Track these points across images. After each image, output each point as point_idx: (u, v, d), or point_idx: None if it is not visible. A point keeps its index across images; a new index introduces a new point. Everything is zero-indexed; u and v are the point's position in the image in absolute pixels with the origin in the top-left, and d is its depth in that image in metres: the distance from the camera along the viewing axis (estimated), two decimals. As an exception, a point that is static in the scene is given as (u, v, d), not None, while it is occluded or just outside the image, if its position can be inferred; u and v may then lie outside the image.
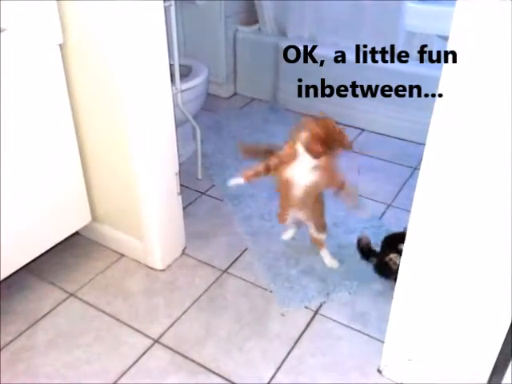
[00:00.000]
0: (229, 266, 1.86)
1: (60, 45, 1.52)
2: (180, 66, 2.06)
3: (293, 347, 1.54)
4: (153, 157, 1.64)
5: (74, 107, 1.65)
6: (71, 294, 1.73)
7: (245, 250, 1.93)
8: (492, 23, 0.92)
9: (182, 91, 2.08)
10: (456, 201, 1.13)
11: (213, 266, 1.86)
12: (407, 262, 1.28)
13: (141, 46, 1.46)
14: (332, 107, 2.81)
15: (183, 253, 1.91)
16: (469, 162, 1.07)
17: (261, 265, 1.86)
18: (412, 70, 2.54)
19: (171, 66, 1.78)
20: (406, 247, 1.26)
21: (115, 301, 1.70)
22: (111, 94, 1.55)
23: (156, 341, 1.56)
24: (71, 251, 1.90)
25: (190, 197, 2.21)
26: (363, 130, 2.75)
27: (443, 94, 1.03)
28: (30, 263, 1.72)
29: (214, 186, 2.31)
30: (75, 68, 1.58)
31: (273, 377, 1.45)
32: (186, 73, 2.30)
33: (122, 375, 1.45)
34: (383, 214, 2.13)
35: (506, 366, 1.25)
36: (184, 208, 1.92)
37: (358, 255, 1.88)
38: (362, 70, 2.66)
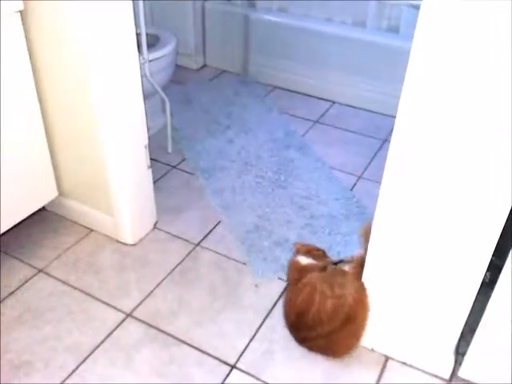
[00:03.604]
0: (201, 240, 1.84)
1: (20, 11, 1.45)
2: (147, 35, 2.00)
3: (266, 317, 1.55)
4: (121, 128, 1.59)
5: (37, 76, 1.58)
6: (40, 270, 1.69)
7: (218, 223, 1.92)
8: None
9: (150, 61, 2.02)
10: (425, 172, 1.14)
11: (185, 240, 1.84)
12: (377, 234, 1.29)
13: (106, 12, 1.40)
14: (303, 79, 2.80)
15: (155, 227, 1.89)
16: (439, 134, 1.08)
17: (234, 237, 1.86)
18: (382, 42, 2.54)
19: (138, 35, 1.72)
20: (376, 219, 1.27)
21: (85, 276, 1.67)
22: (76, 62, 1.49)
23: (128, 315, 1.55)
24: (38, 227, 1.85)
25: (160, 171, 2.17)
26: (334, 102, 2.75)
27: (414, 67, 1.03)
28: (-5, 240, 1.67)
29: (184, 159, 2.27)
30: (37, 36, 1.51)
31: (247, 346, 1.46)
32: (154, 42, 2.23)
33: (94, 349, 1.44)
34: (354, 186, 2.15)
35: (471, 335, 1.29)
36: (154, 182, 1.89)
37: (329, 227, 1.90)
38: (332, 42, 2.64)
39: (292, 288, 1.50)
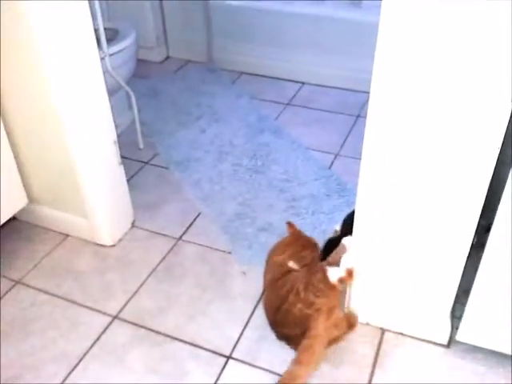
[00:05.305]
0: (183, 233, 1.79)
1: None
2: (105, 29, 1.93)
3: (257, 304, 1.51)
4: (86, 125, 1.53)
5: (-8, 79, 1.50)
6: (17, 282, 1.61)
7: (198, 215, 1.87)
8: None
9: (111, 55, 1.95)
10: (406, 140, 1.11)
11: (166, 235, 1.79)
12: (362, 207, 1.27)
13: (61, 7, 1.34)
14: (269, 62, 2.76)
15: (133, 226, 1.83)
16: (413, 105, 1.06)
17: (216, 228, 1.81)
18: (345, 16, 2.51)
19: (96, 31, 1.64)
20: (359, 192, 1.25)
21: (65, 282, 1.60)
22: (34, 62, 1.42)
23: (115, 317, 1.49)
24: (10, 237, 1.77)
25: (133, 168, 2.11)
26: (303, 83, 2.71)
27: (383, 41, 1.00)
28: (-35, 255, 1.59)
29: (157, 154, 2.21)
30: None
31: (240, 335, 1.43)
32: (113, 37, 2.15)
33: (83, 356, 1.38)
34: (332, 164, 2.13)
35: (466, 298, 1.28)
36: (128, 180, 1.83)
37: (312, 207, 1.88)
38: (295, 21, 2.60)
39: (271, 286, 1.39)
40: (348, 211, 1.58)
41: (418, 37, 0.98)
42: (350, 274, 1.30)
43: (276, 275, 1.40)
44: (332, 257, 1.39)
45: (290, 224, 1.51)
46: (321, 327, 1.26)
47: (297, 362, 1.23)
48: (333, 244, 1.46)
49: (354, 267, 1.32)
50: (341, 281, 1.28)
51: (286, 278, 1.36)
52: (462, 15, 0.93)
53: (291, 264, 1.40)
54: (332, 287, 1.28)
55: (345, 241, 1.40)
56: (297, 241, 1.46)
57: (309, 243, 1.47)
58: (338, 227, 1.59)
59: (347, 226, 1.51)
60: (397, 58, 1.02)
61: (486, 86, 0.98)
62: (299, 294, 1.28)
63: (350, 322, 1.37)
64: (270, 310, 1.37)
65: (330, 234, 1.64)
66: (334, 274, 1.28)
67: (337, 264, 1.37)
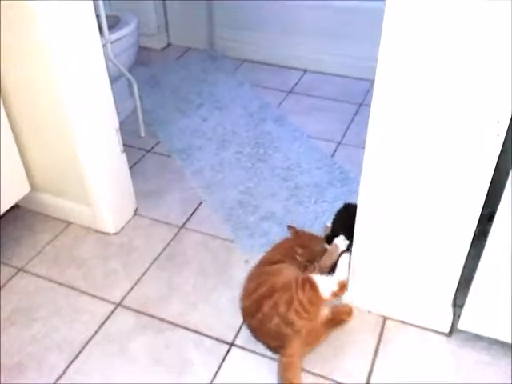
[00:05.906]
0: (185, 222, 1.79)
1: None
2: (107, 16, 1.91)
3: (260, 292, 1.52)
4: (89, 112, 1.52)
5: (-7, 66, 1.49)
6: (20, 269, 1.62)
7: (200, 203, 1.87)
8: None
9: (112, 42, 1.93)
10: (411, 128, 1.11)
11: (169, 224, 1.79)
12: (365, 195, 1.26)
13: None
14: (271, 50, 2.74)
15: (135, 213, 1.83)
16: (418, 94, 1.05)
17: (218, 216, 1.81)
18: (347, 4, 2.48)
19: (97, 18, 1.63)
20: (363, 181, 1.24)
21: (68, 270, 1.61)
22: (37, 49, 1.40)
23: (118, 304, 1.50)
24: (13, 225, 1.77)
25: (135, 156, 2.10)
26: (305, 70, 2.70)
27: (388, 29, 0.98)
28: (-32, 243, 1.59)
29: (159, 142, 2.20)
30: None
31: (243, 323, 1.43)
32: (114, 24, 2.13)
33: (86, 344, 1.39)
34: (334, 152, 2.12)
35: (468, 286, 1.28)
36: (130, 168, 1.83)
37: (314, 196, 1.87)
38: (297, 9, 2.58)
39: (258, 268, 1.39)
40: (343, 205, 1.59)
41: (424, 24, 0.97)
42: (342, 287, 1.31)
43: (266, 259, 1.42)
44: (323, 260, 1.40)
45: (290, 227, 1.51)
46: (296, 347, 1.25)
47: (285, 380, 1.23)
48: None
49: (346, 280, 1.33)
50: (333, 295, 1.30)
51: (271, 269, 1.36)
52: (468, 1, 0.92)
53: (299, 252, 1.42)
54: (322, 302, 1.28)
55: (337, 241, 1.41)
56: (304, 236, 1.49)
57: (316, 237, 1.49)
58: (329, 224, 1.58)
59: (337, 224, 1.52)
60: (402, 46, 1.01)
61: (491, 74, 0.98)
62: (277, 306, 1.25)
63: (341, 317, 1.36)
64: (244, 310, 1.36)
65: (321, 231, 1.63)
66: (325, 288, 1.28)
67: (327, 267, 1.39)
